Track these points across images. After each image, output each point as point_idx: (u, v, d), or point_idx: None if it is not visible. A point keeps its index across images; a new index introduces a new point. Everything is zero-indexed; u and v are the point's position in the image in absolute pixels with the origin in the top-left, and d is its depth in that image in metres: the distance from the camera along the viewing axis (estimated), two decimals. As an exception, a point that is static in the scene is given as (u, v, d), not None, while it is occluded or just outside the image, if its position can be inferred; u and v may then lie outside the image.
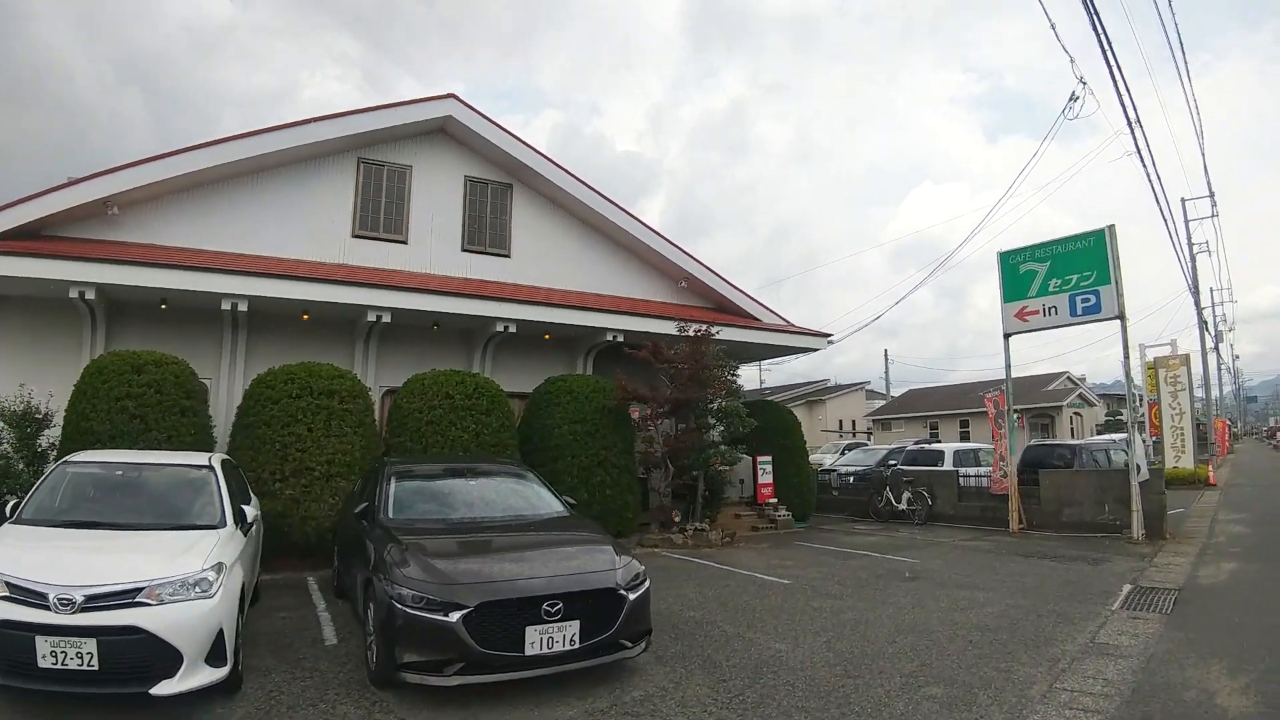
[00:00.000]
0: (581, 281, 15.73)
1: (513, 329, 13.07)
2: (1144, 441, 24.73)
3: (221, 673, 4.55)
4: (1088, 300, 12.88)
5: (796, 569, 10.08)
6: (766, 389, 59.94)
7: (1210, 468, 22.02)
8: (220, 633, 4.56)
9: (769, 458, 15.37)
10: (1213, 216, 30.63)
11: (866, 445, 26.47)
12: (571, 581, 5.18)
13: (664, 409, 13.02)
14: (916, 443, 25.72)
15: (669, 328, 13.54)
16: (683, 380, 12.83)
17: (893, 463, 18.57)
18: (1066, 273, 13.16)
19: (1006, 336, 13.95)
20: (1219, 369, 41.19)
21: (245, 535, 5.88)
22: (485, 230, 14.99)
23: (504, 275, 14.87)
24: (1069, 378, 43.89)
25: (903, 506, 15.39)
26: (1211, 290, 41.72)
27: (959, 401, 42.71)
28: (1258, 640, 6.09)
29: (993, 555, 10.99)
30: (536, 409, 12.82)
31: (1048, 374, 44.60)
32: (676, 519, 13.01)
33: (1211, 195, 29.31)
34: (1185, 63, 15.54)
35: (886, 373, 51.05)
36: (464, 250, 14.67)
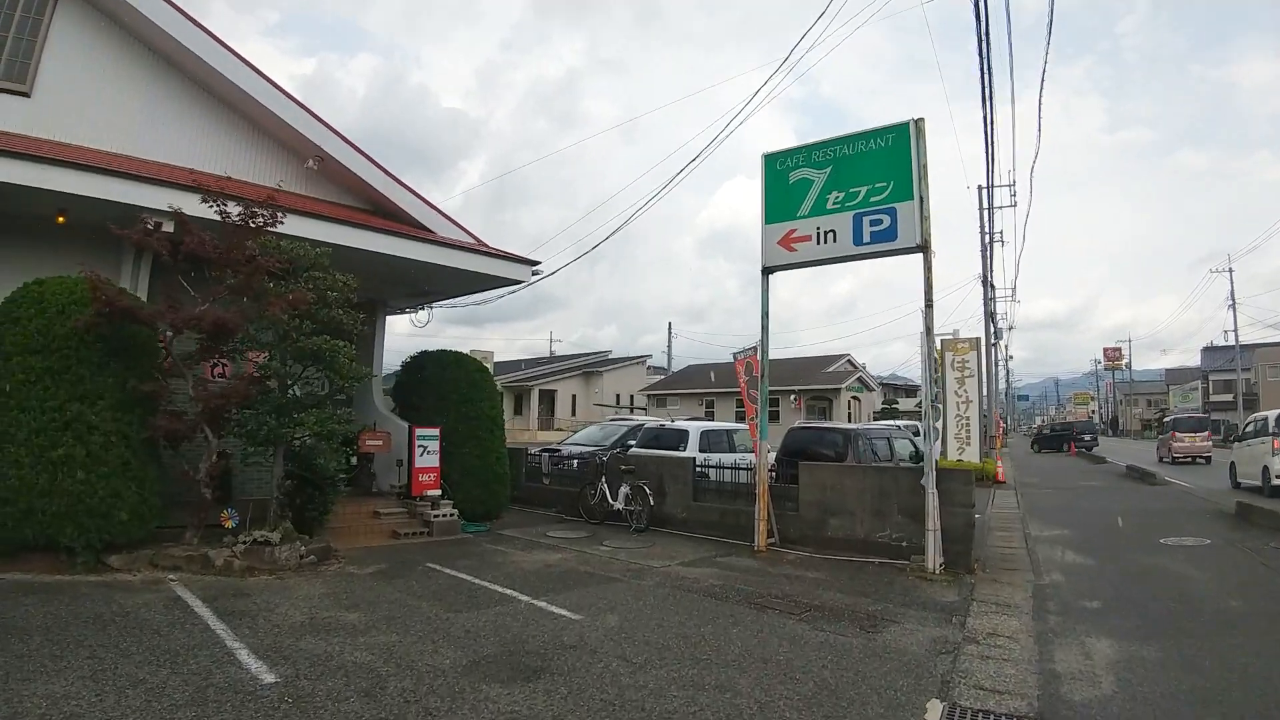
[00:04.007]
0: (163, 150, 9.99)
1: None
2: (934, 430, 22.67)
3: None
4: (879, 223, 8.93)
5: (350, 635, 5.20)
6: (554, 358, 55.48)
7: (998, 463, 19.91)
8: None
9: (435, 431, 10.48)
10: (1011, 205, 29.52)
11: (608, 420, 22.23)
12: None
13: (191, 335, 7.61)
14: (693, 418, 22.01)
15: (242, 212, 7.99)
16: (226, 292, 7.49)
17: (631, 443, 14.32)
18: (853, 183, 9.15)
19: (766, 272, 9.75)
20: (997, 364, 41.71)
21: None
22: (2, 55, 9.02)
23: (20, 125, 8.94)
24: (850, 360, 42.94)
25: (619, 505, 10.95)
26: (993, 285, 42.23)
27: (736, 378, 40.01)
28: None
29: (713, 602, 6.66)
30: (-13, 333, 7.14)
31: (829, 355, 43.42)
32: (229, 523, 7.77)
33: (1012, 185, 27.97)
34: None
35: (669, 345, 47.99)
36: (-43, 80, 8.69)
